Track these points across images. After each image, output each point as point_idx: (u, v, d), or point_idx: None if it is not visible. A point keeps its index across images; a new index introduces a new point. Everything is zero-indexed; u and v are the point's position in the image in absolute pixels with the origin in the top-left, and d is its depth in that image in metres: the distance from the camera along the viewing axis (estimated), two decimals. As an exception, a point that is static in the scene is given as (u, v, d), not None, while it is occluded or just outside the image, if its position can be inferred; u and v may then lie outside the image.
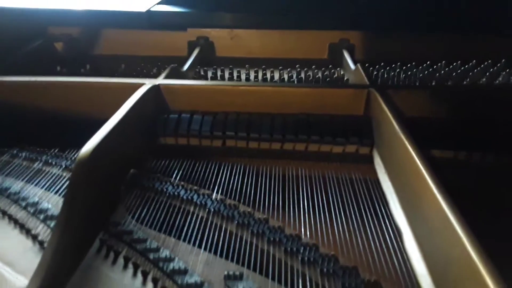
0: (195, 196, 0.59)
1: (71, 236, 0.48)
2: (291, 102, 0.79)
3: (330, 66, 1.06)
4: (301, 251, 0.51)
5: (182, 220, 0.56)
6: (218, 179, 0.65)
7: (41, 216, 0.57)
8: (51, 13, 1.21)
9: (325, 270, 0.48)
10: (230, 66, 1.02)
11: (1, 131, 0.78)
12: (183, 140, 0.74)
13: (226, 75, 1.00)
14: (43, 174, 0.68)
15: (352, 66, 1.01)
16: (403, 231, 0.53)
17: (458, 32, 1.17)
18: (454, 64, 1.07)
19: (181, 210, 0.57)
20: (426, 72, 1.03)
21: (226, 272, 0.47)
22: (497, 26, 1.15)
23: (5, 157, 0.75)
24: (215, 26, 1.19)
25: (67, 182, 0.64)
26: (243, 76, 0.99)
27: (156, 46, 1.17)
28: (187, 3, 1.20)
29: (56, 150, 0.75)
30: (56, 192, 0.64)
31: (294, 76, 1.00)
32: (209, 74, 0.98)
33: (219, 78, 0.99)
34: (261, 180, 0.66)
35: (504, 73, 1.01)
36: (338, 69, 1.06)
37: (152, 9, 1.18)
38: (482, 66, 1.05)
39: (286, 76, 1.01)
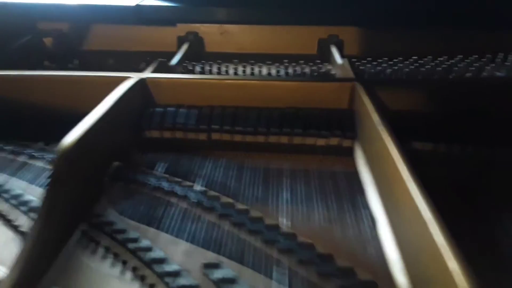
0: (178, 188, 0.60)
1: (52, 227, 0.49)
2: (277, 96, 0.79)
3: (318, 61, 1.06)
4: (280, 240, 0.52)
5: (164, 212, 0.56)
6: (202, 172, 0.65)
7: (24, 208, 0.58)
8: (40, 8, 1.21)
9: (301, 258, 0.49)
10: (218, 61, 1.02)
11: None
12: (168, 134, 0.75)
13: (214, 70, 1.00)
14: (28, 168, 0.69)
15: (339, 61, 1.02)
16: (379, 220, 0.54)
17: (445, 27, 1.18)
18: (441, 58, 1.08)
19: (163, 201, 0.58)
20: (412, 66, 1.04)
21: (204, 261, 0.48)
22: (482, 21, 1.16)
23: (-10, 150, 0.75)
24: (204, 22, 1.19)
25: (51, 175, 0.64)
26: (231, 71, 1.00)
27: (145, 41, 1.17)
28: (177, -2, 1.21)
29: (42, 144, 0.76)
30: (40, 185, 0.64)
31: (282, 71, 1.01)
32: (197, 68, 0.99)
33: (207, 72, 1.00)
34: (245, 172, 0.66)
35: (489, 67, 1.02)
36: (325, 64, 1.06)
37: (141, 4, 1.18)
38: (467, 60, 1.07)
39: (274, 71, 1.02)
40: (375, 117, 0.62)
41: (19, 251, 0.45)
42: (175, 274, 0.46)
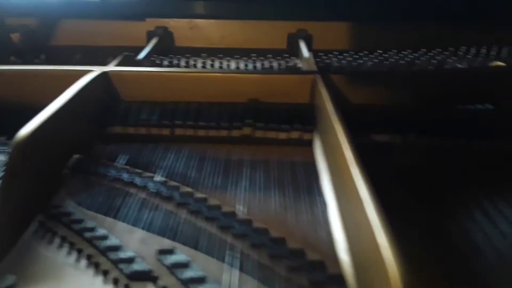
0: (137, 179, 0.61)
1: (7, 218, 0.49)
2: (240, 89, 0.81)
3: (287, 55, 1.08)
4: (235, 226, 0.53)
5: (122, 202, 0.57)
6: (164, 163, 0.66)
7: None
8: (6, 4, 1.19)
9: (254, 242, 0.51)
10: (187, 55, 1.03)
11: None
12: (132, 130, 0.75)
13: (182, 64, 1.01)
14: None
15: (306, 55, 1.04)
16: (330, 205, 0.56)
17: (411, 22, 1.22)
18: (405, 52, 1.12)
19: (122, 192, 0.59)
20: (377, 60, 1.07)
21: (159, 248, 0.49)
22: (447, 16, 1.20)
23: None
24: (174, 16, 1.19)
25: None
26: (199, 65, 1.01)
27: (114, 36, 1.17)
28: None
29: (4, 138, 0.75)
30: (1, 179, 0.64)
31: (250, 65, 1.03)
32: (165, 63, 0.99)
33: (175, 66, 1.00)
34: (206, 163, 0.68)
35: (450, 60, 1.06)
36: (293, 58, 1.08)
37: (109, -2, 1.18)
38: (431, 54, 1.11)
39: (242, 65, 1.03)
40: (330, 108, 0.64)
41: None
42: (129, 260, 0.47)
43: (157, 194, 0.59)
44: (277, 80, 0.82)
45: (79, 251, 0.49)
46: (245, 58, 1.07)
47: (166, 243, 0.51)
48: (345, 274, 0.46)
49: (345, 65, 1.04)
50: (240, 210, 0.57)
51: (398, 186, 0.63)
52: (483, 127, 0.82)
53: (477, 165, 0.70)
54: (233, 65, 1.03)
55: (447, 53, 1.13)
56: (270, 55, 1.08)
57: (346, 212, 0.51)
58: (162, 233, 0.52)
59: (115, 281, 0.46)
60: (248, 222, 0.54)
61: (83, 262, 0.48)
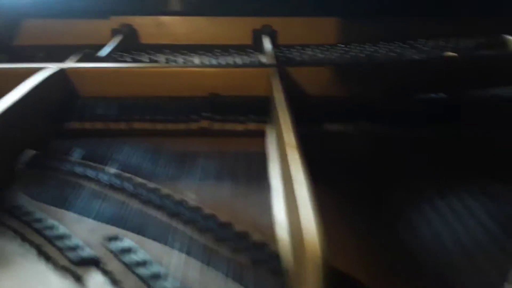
0: (90, 172, 0.62)
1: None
2: (201, 84, 0.83)
3: (251, 51, 1.11)
4: (184, 213, 0.55)
5: (74, 194, 0.58)
6: (119, 156, 0.68)
7: None
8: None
9: (202, 227, 0.53)
10: (150, 51, 1.04)
11: None
12: (88, 125, 0.76)
13: (146, 61, 1.02)
14: None
15: (268, 50, 1.07)
16: (276, 191, 0.59)
17: (374, 17, 1.26)
18: (365, 45, 1.16)
19: (75, 184, 0.60)
20: (338, 54, 1.10)
21: (106, 235, 0.51)
22: (399, 9, 1.25)
23: None
24: (139, 13, 1.20)
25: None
26: (162, 61, 1.02)
27: (78, 35, 1.17)
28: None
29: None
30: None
31: (213, 60, 1.04)
32: (128, 60, 1.00)
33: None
34: (162, 155, 0.69)
35: (409, 52, 1.11)
36: (257, 53, 1.11)
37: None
38: (390, 46, 1.15)
39: (205, 61, 1.05)
40: (278, 99, 0.66)
41: None
42: (76, 247, 0.49)
43: (110, 185, 0.60)
44: (236, 74, 0.84)
45: (30, 242, 0.50)
46: (209, 54, 1.09)
47: (115, 231, 0.52)
48: (283, 251, 0.48)
49: (306, 58, 1.07)
50: (191, 198, 0.59)
51: (350, 176, 0.65)
52: (438, 116, 0.86)
53: (431, 155, 0.73)
54: (196, 60, 1.04)
55: (406, 46, 1.17)
56: (233, 51, 1.10)
57: (286, 194, 0.54)
58: (111, 222, 0.54)
59: (64, 268, 0.47)
60: (197, 209, 0.56)
61: (33, 252, 0.49)
